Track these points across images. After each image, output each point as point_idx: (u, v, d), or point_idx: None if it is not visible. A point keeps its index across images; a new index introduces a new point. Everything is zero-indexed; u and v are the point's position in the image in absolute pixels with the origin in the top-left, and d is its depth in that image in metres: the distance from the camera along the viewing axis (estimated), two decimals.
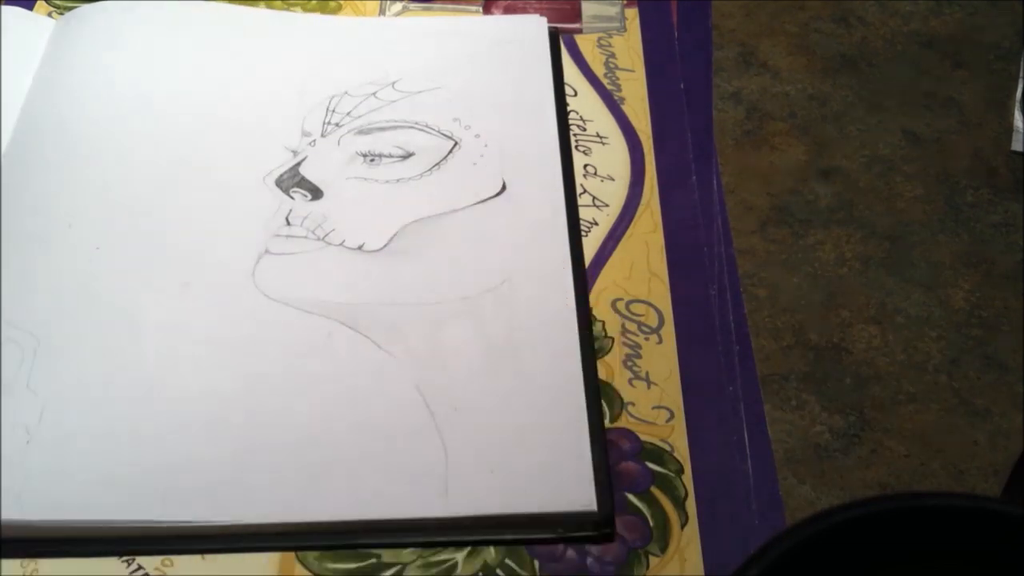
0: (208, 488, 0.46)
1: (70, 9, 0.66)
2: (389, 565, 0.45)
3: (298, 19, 0.66)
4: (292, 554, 0.45)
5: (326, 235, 0.55)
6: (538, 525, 0.46)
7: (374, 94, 0.62)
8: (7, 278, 0.53)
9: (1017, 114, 1.41)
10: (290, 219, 0.56)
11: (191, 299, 0.52)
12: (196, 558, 0.45)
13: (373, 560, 0.45)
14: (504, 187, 0.57)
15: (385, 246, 0.55)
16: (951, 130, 1.43)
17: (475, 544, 0.46)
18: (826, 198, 1.38)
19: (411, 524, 0.46)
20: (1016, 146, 1.40)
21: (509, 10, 0.68)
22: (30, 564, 0.45)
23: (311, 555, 0.45)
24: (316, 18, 0.66)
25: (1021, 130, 1.40)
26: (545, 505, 0.46)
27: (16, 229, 0.55)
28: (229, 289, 0.53)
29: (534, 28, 0.66)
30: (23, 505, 0.45)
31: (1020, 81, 1.44)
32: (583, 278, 0.54)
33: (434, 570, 0.45)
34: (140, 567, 0.45)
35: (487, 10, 0.68)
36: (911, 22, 1.56)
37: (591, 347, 0.52)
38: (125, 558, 0.45)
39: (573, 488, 0.46)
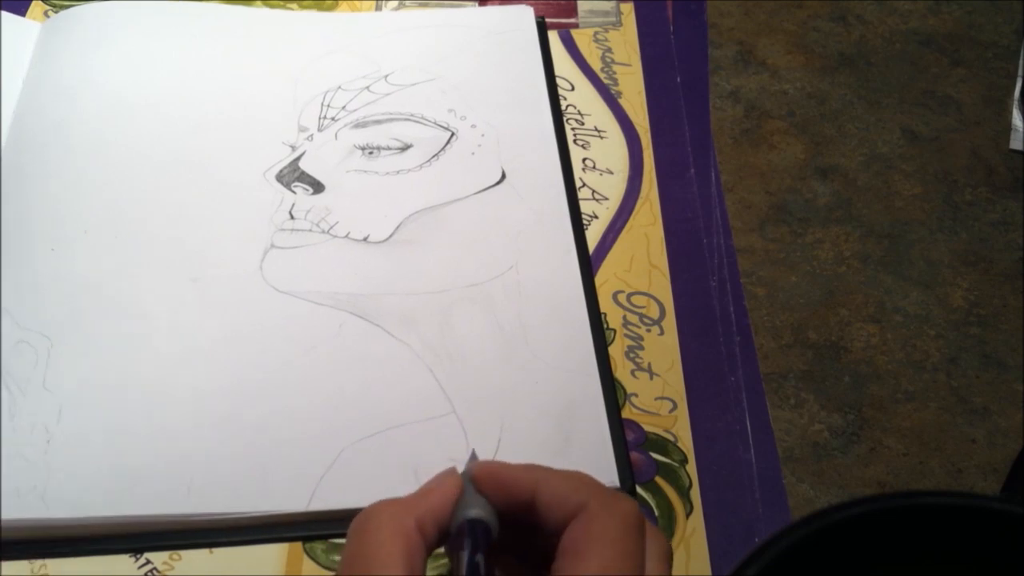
0: (228, 481, 0.46)
1: (66, 7, 0.65)
2: None
3: (288, 16, 0.66)
4: (300, 547, 0.45)
5: (331, 227, 0.55)
6: None
7: (367, 88, 0.61)
8: (15, 281, 0.52)
9: (1015, 112, 1.41)
10: (293, 213, 0.55)
11: (201, 294, 0.52)
12: (203, 552, 0.45)
13: None
14: (504, 175, 0.57)
15: (390, 237, 0.55)
16: (949, 128, 1.43)
17: None
18: (825, 196, 1.39)
19: None
20: (1015, 144, 1.40)
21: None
22: (38, 560, 0.45)
23: (318, 547, 0.45)
24: (305, 14, 0.66)
25: (1020, 128, 1.40)
26: None
27: (21, 232, 0.54)
28: (238, 283, 0.53)
29: (521, 18, 0.66)
30: (47, 504, 0.45)
31: (1018, 79, 1.45)
32: (587, 259, 0.54)
33: (443, 559, 0.45)
34: (148, 561, 0.45)
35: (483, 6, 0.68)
36: (909, 20, 1.56)
37: (601, 327, 0.52)
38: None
39: (595, 464, 0.47)
